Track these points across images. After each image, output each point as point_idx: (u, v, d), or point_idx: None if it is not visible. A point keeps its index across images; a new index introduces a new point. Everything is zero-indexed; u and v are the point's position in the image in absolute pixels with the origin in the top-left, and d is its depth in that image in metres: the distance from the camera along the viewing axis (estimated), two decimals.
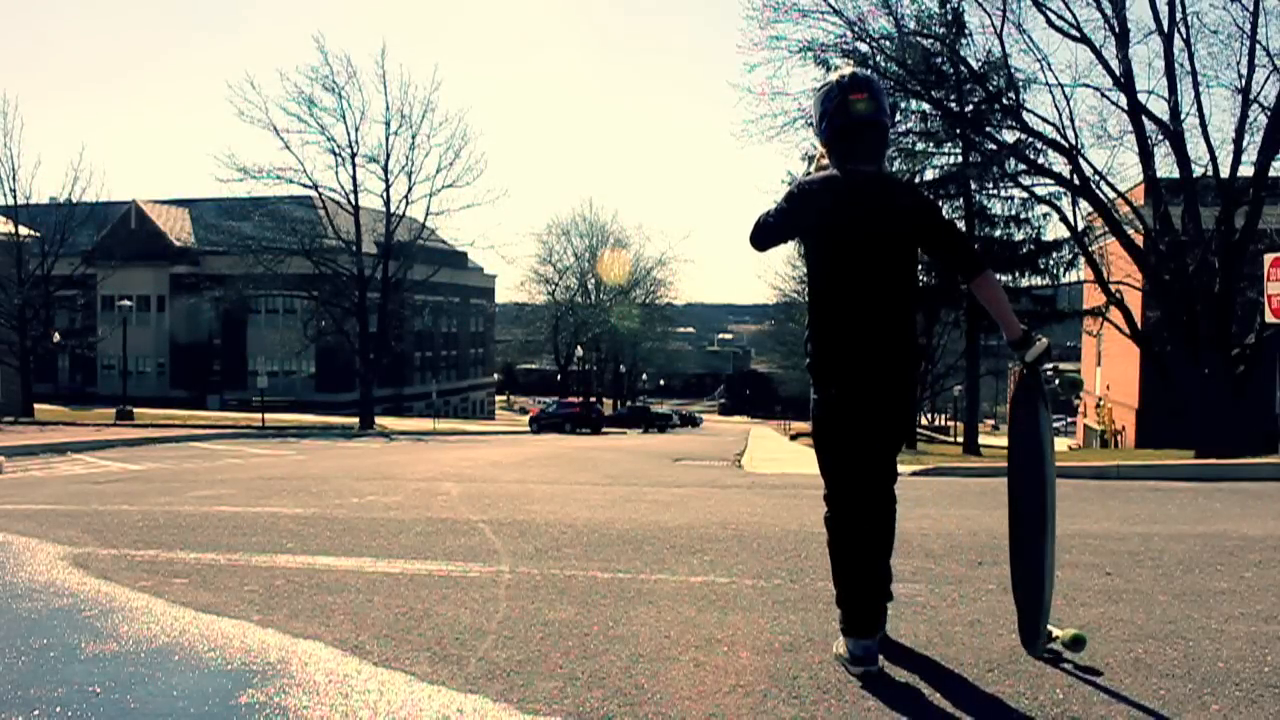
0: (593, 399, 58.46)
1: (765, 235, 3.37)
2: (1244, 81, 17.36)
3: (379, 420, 39.39)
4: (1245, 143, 17.50)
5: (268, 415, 35.00)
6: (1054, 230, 26.49)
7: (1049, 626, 3.37)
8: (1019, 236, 27.37)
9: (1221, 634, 3.77)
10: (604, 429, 44.39)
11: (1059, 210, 22.70)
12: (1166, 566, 5.17)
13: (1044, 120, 20.73)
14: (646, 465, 14.55)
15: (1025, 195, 24.85)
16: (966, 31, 22.72)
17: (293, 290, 40.79)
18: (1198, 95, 17.71)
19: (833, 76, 3.32)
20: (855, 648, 3.24)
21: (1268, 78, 17.51)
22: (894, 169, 26.97)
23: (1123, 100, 18.56)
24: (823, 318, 3.26)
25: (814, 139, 3.66)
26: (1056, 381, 3.42)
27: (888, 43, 21.32)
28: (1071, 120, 20.31)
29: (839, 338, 3.23)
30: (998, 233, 27.50)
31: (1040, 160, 21.74)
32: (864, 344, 3.20)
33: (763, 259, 72.27)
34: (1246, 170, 17.69)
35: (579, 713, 2.93)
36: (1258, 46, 17.30)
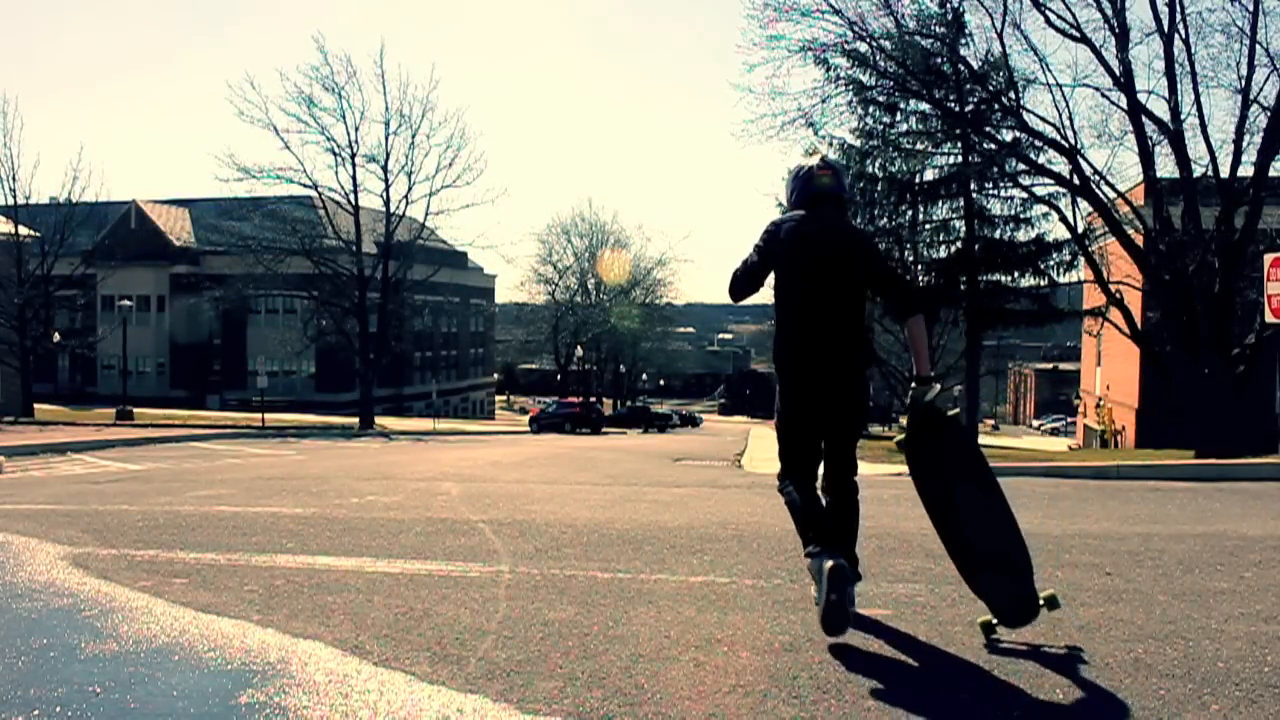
0: (593, 399, 58.43)
1: (742, 283, 4.00)
2: (1244, 81, 17.36)
3: (379, 420, 39.38)
4: (1245, 143, 17.51)
5: (268, 415, 34.99)
6: (1054, 230, 26.46)
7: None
8: (1019, 237, 27.32)
9: (1221, 634, 3.77)
10: (604, 429, 44.37)
11: (1059, 210, 22.70)
12: (1166, 566, 5.17)
13: (1044, 120, 20.78)
14: (646, 465, 14.55)
15: (1025, 195, 24.82)
16: (966, 31, 22.70)
17: (293, 290, 40.78)
18: (1198, 95, 17.72)
19: (803, 161, 4.04)
20: (817, 554, 3.76)
21: (1268, 78, 17.53)
22: (894, 169, 27.01)
23: (1123, 100, 18.57)
24: (788, 327, 3.86)
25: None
26: (952, 411, 3.94)
27: (887, 42, 21.31)
28: (1071, 120, 20.38)
29: (800, 343, 3.82)
30: (998, 233, 27.44)
31: (1040, 160, 21.74)
32: (819, 348, 3.80)
33: None
34: (1246, 170, 17.69)
35: (579, 713, 2.93)
36: (1258, 46, 17.31)
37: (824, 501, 3.93)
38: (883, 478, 11.66)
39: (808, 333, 3.80)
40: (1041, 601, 3.61)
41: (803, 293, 3.83)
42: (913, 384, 3.85)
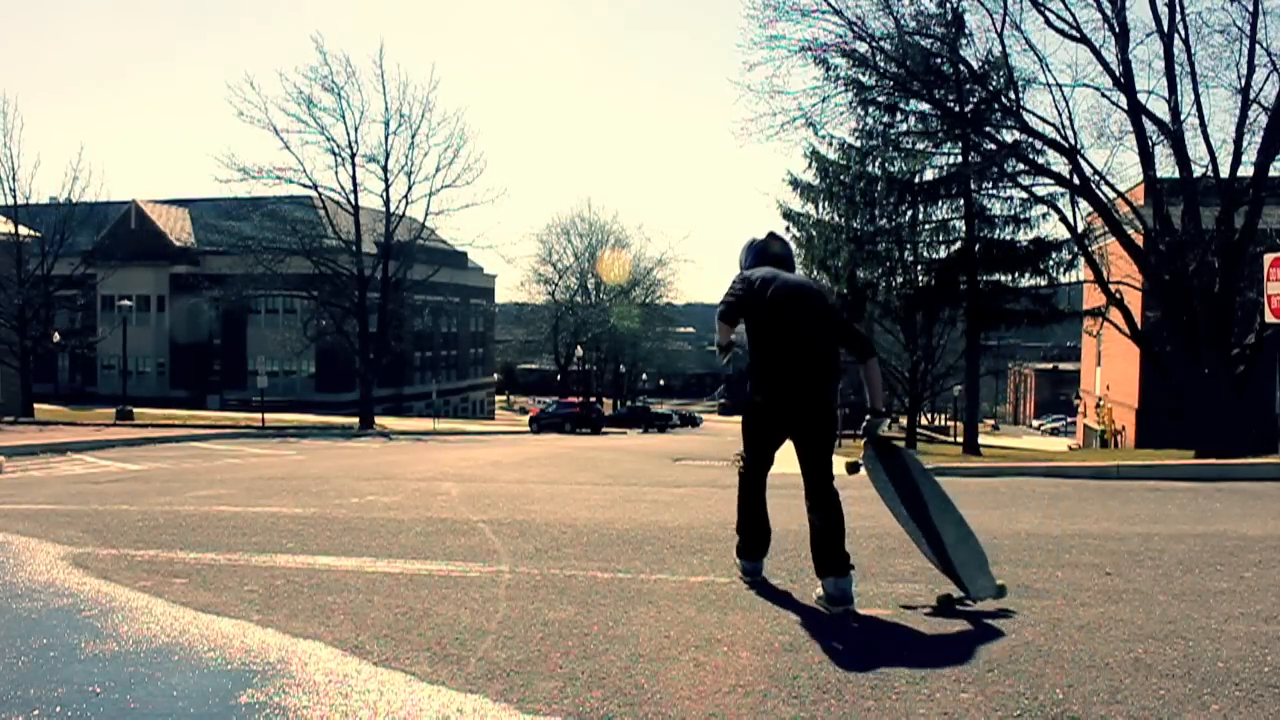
0: (593, 399, 58.43)
1: (724, 326, 4.60)
2: (1244, 81, 17.36)
3: (379, 420, 39.38)
4: (1245, 143, 17.51)
5: (268, 415, 34.99)
6: (1054, 230, 26.47)
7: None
8: (1019, 237, 27.33)
9: (1221, 634, 3.77)
10: (604, 429, 44.37)
11: (1059, 211, 22.70)
12: (1166, 566, 5.17)
13: (1044, 120, 20.77)
14: (646, 465, 14.55)
15: (1025, 195, 24.83)
16: (966, 31, 22.70)
17: (293, 290, 40.74)
18: (1197, 95, 17.72)
19: (757, 236, 4.88)
20: (747, 566, 4.83)
21: (1268, 77, 17.53)
22: (894, 169, 27.04)
23: (1123, 100, 18.57)
24: (762, 356, 4.49)
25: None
26: (892, 438, 4.76)
27: (887, 43, 21.31)
28: (1071, 120, 20.38)
29: (771, 369, 4.46)
30: (998, 233, 27.45)
31: (1040, 160, 21.74)
32: (798, 377, 4.41)
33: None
34: (1246, 170, 17.69)
35: (579, 713, 2.93)
36: (1258, 46, 17.31)
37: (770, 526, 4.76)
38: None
39: (789, 364, 4.43)
40: (993, 585, 4.25)
41: (783, 333, 4.44)
42: (868, 416, 4.60)
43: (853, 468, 4.58)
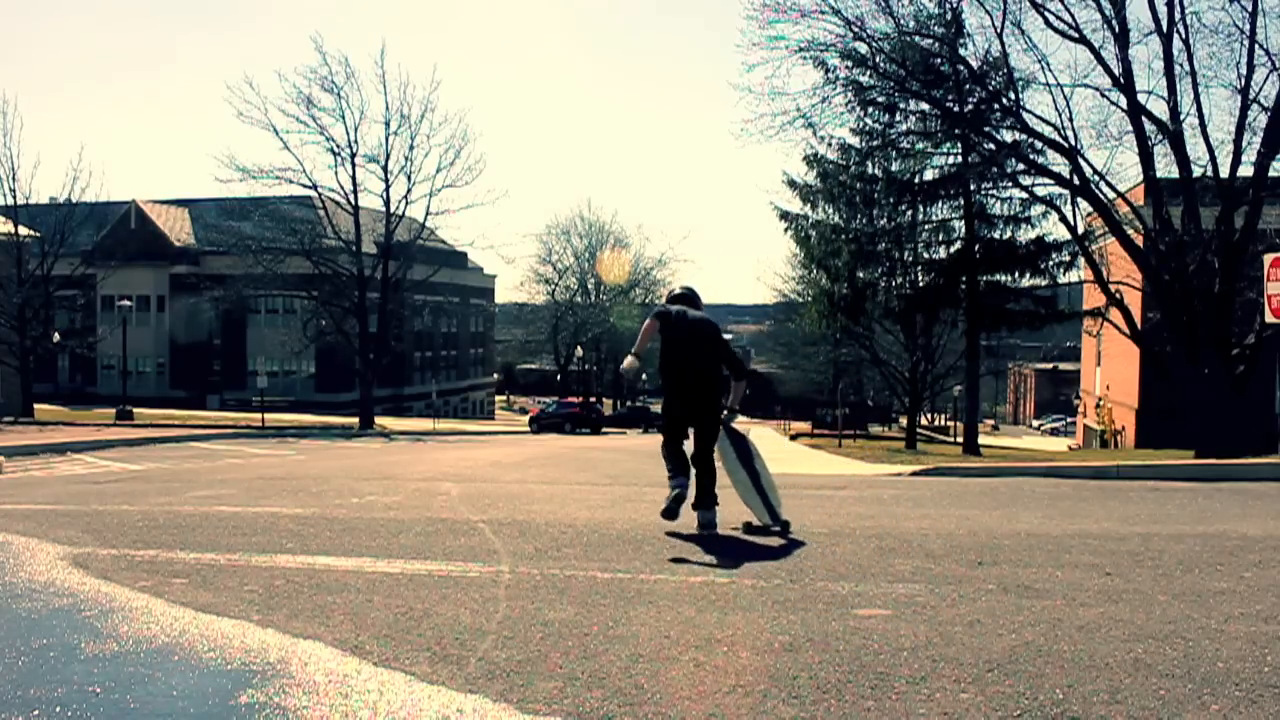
0: (593, 399, 58.43)
1: (635, 355, 6.49)
2: (1244, 81, 17.37)
3: (379, 420, 39.38)
4: (1245, 143, 17.52)
5: (267, 415, 35.00)
6: (1054, 230, 26.46)
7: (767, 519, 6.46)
8: (1019, 237, 27.33)
9: (1221, 634, 3.77)
10: (604, 429, 44.38)
11: (1059, 211, 22.70)
12: (1166, 566, 5.17)
13: (1044, 120, 20.76)
14: (646, 465, 14.54)
15: (1025, 195, 24.82)
16: (965, 32, 22.71)
17: (293, 290, 40.75)
18: (1197, 95, 17.73)
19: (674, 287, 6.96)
20: (703, 517, 6.30)
21: (1267, 77, 17.54)
22: (893, 169, 27.04)
23: (1122, 100, 18.58)
24: (675, 370, 6.41)
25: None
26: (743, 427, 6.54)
27: (887, 43, 21.32)
28: (1071, 121, 20.39)
29: (684, 380, 6.41)
30: (997, 233, 27.43)
31: (1040, 160, 21.75)
32: (695, 383, 6.42)
33: (765, 261, 77.99)
34: (1246, 170, 17.70)
35: (579, 713, 2.93)
36: (1257, 46, 17.32)
37: (689, 460, 6.45)
38: (883, 478, 11.65)
39: (687, 373, 6.36)
40: (784, 519, 6.43)
41: (684, 351, 6.35)
42: (725, 411, 6.65)
43: None
